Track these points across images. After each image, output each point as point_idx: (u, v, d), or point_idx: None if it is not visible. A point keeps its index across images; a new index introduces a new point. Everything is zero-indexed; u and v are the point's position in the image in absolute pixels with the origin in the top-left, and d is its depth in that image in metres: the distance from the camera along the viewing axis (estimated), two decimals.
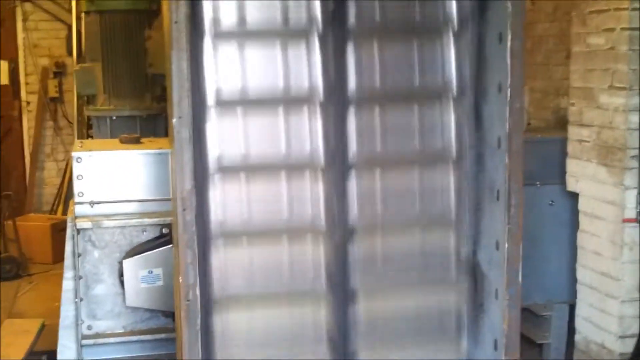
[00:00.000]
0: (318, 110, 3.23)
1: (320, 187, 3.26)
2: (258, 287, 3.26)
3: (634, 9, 4.52)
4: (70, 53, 8.42)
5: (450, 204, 3.43)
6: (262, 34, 3.17)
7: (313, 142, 3.24)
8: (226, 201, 3.16)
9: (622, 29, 4.58)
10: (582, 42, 4.97)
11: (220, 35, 3.11)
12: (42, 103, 9.93)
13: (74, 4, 8.29)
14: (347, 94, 3.26)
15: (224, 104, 3.14)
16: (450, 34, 3.36)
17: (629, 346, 4.74)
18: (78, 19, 7.96)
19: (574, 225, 5.19)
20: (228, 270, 3.20)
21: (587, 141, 4.97)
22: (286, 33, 3.19)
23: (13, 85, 9.87)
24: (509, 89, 3.17)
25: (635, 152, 4.61)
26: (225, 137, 3.15)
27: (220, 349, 3.20)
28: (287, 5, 3.15)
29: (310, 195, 3.26)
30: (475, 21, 3.35)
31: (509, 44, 3.15)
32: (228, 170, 3.15)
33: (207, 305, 3.15)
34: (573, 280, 5.23)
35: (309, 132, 3.24)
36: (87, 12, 6.95)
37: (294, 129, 3.22)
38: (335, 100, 3.24)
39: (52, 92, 9.92)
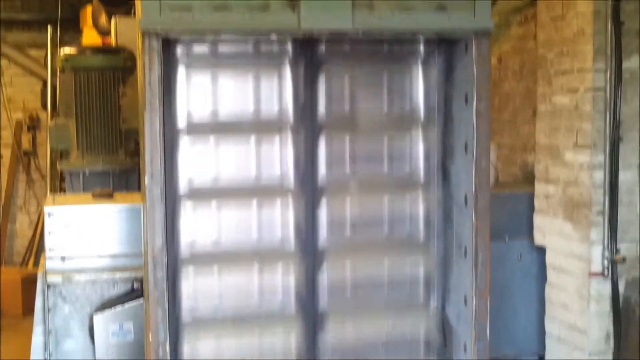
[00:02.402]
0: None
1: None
2: (228, 310, 3.29)
3: (597, 70, 4.65)
4: (44, 107, 8.43)
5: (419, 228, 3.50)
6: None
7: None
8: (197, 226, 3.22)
9: (586, 89, 4.71)
10: (547, 101, 5.09)
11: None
12: (15, 156, 9.91)
13: (49, 59, 8.34)
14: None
15: (196, 131, 3.23)
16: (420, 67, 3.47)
17: None
18: (53, 73, 8.00)
19: (542, 278, 5.26)
20: (198, 294, 3.23)
21: (554, 197, 5.06)
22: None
23: None
24: (475, 149, 3.25)
25: (600, 207, 4.70)
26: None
27: None
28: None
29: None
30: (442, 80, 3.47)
31: (474, 105, 3.24)
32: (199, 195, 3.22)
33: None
34: (542, 332, 5.28)
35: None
36: (62, 70, 6.99)
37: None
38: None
39: (26, 145, 9.93)
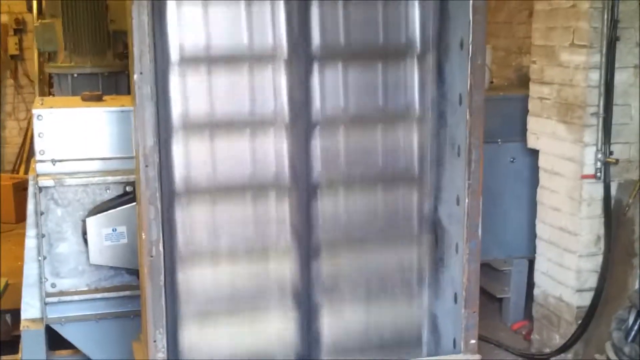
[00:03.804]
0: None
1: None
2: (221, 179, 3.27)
3: None
4: (30, 9, 8.27)
5: (413, 160, 3.46)
6: None
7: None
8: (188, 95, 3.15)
9: None
10: (544, 0, 4.99)
11: None
12: (1, 61, 9.76)
13: None
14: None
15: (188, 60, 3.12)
16: None
17: (586, 300, 4.86)
18: None
19: (534, 181, 5.27)
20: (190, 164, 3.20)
21: (548, 99, 5.02)
22: None
23: None
24: (470, 46, 3.18)
25: (595, 109, 4.67)
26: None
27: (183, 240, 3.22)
28: None
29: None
30: None
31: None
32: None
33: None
34: (532, 235, 5.33)
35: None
36: None
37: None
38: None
39: (12, 49, 9.75)
